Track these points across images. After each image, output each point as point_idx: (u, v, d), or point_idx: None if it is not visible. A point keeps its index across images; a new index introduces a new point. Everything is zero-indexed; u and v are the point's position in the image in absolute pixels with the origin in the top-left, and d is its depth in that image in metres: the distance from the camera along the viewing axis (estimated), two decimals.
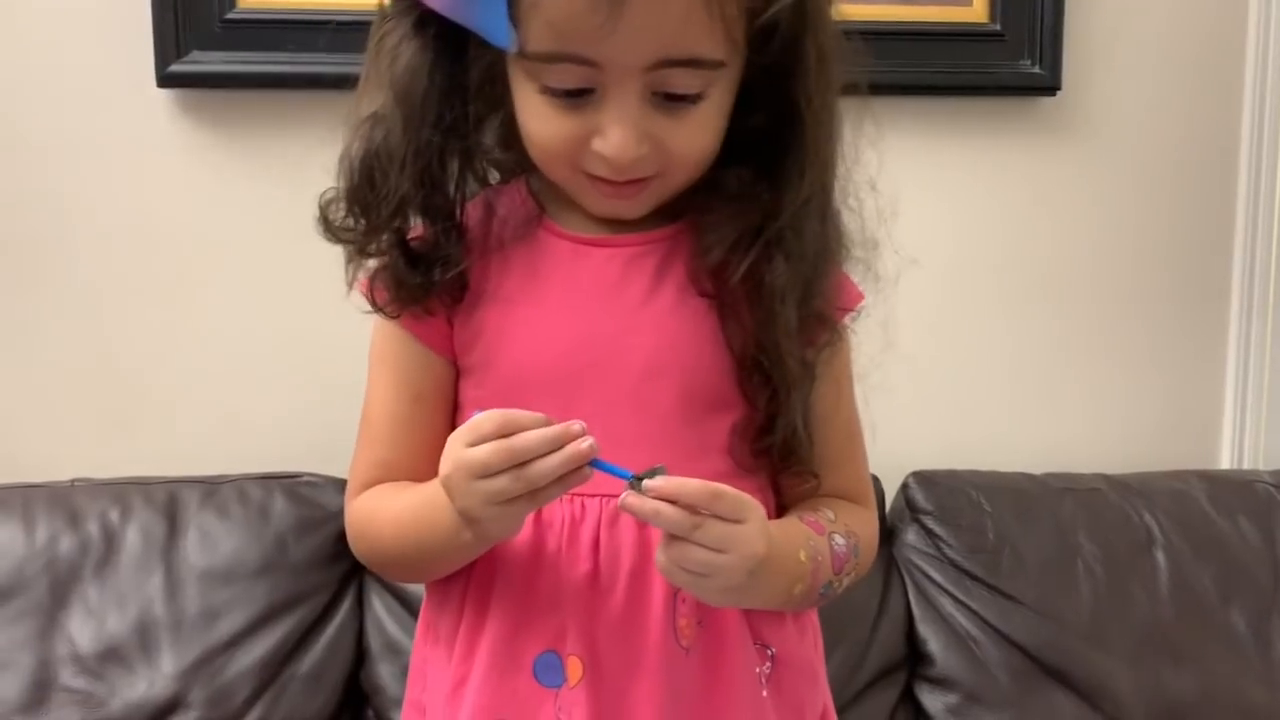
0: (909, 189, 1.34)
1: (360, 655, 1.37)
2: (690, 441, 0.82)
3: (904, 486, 1.54)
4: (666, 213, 0.84)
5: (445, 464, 0.74)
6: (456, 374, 0.86)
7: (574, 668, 0.80)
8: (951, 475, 1.54)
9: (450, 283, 0.82)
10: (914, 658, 1.46)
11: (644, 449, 0.78)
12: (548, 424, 0.71)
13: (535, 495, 0.72)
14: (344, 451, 0.93)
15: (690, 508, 0.71)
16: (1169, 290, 1.72)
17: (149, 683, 1.29)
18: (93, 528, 1.35)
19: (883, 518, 1.52)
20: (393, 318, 0.84)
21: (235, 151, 1.51)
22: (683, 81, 0.76)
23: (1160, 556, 1.50)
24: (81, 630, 1.30)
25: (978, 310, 1.69)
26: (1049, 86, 1.62)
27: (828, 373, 0.86)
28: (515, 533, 0.77)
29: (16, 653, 1.28)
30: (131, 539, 1.35)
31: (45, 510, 1.35)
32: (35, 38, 1.47)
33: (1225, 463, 1.75)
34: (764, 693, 0.84)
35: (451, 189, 0.82)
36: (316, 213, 0.84)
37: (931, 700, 1.43)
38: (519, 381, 0.82)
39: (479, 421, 0.72)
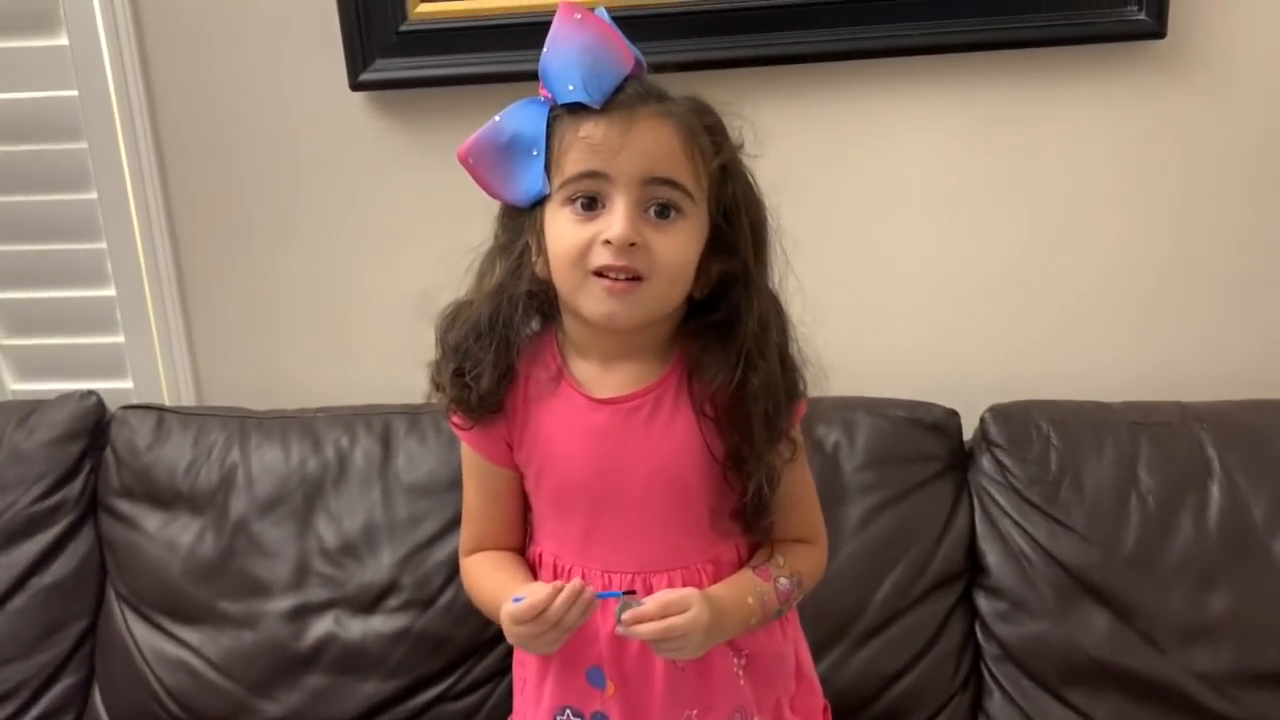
0: (1019, 139, 1.77)
1: None
2: (677, 525, 1.14)
3: (981, 420, 1.77)
4: (646, 375, 1.13)
5: (504, 627, 1.09)
6: (521, 475, 1.20)
7: (610, 685, 1.16)
8: (1026, 408, 1.75)
9: (493, 410, 1.16)
10: (974, 568, 1.73)
11: (647, 537, 1.12)
12: (558, 589, 1.04)
13: (567, 632, 1.07)
14: None
15: (653, 616, 1.05)
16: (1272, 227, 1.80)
17: (374, 570, 1.76)
18: (330, 451, 1.81)
19: (963, 445, 1.77)
20: (465, 431, 1.19)
21: (417, 139, 1.84)
22: (666, 194, 1.04)
23: (1215, 489, 1.67)
24: (326, 530, 1.78)
25: (1088, 246, 1.84)
26: (1154, 32, 1.68)
27: (791, 466, 1.14)
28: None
29: (284, 546, 1.78)
30: (358, 460, 1.80)
31: (297, 437, 1.82)
32: (255, 58, 1.84)
33: None
34: (741, 680, 1.18)
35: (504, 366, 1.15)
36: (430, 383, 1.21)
37: (985, 605, 1.71)
38: (563, 493, 1.16)
39: (515, 613, 1.06)
